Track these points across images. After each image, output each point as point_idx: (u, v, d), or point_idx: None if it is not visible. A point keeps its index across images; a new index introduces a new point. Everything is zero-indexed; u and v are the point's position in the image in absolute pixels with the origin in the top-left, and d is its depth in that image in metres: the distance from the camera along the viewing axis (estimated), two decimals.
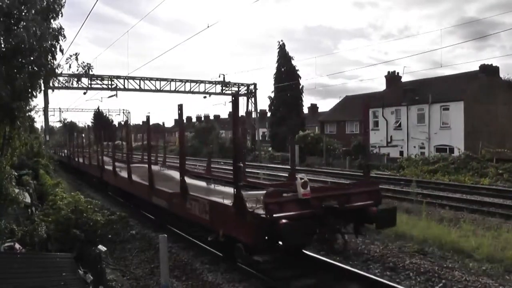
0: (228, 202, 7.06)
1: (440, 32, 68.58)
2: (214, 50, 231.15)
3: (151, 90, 39.37)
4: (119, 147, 26.36)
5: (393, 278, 7.33)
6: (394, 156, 35.15)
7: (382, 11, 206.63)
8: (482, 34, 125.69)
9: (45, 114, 35.87)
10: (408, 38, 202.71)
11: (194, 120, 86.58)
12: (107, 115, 70.08)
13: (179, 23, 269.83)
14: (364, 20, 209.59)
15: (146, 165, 11.38)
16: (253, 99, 45.27)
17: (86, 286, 5.75)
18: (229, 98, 38.10)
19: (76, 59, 7.60)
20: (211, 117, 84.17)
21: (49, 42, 6.98)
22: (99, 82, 36.81)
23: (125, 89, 38.16)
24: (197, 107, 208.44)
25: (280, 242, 6.56)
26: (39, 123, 47.21)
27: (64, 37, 7.26)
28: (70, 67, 7.57)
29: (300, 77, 50.18)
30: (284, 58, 49.96)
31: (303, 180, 6.70)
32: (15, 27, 6.70)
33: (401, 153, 38.06)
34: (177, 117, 10.09)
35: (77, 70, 7.78)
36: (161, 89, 39.45)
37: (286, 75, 48.83)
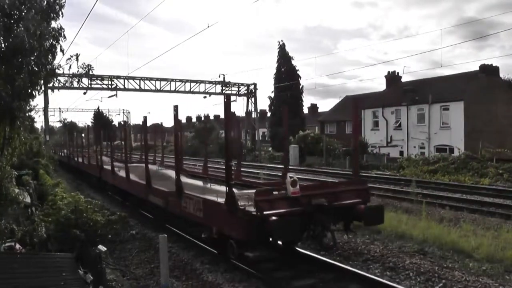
0: (221, 200, 7.22)
1: (439, 32, 68.90)
2: (214, 50, 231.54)
3: (151, 90, 39.37)
4: (119, 147, 26.40)
5: (393, 278, 7.34)
6: (394, 156, 35.15)
7: (381, 11, 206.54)
8: (481, 34, 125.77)
9: (45, 114, 35.91)
10: (407, 38, 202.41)
11: (194, 120, 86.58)
12: (107, 115, 70.19)
13: (179, 23, 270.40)
14: (363, 20, 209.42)
15: (144, 165, 11.47)
16: (253, 99, 45.27)
17: (86, 286, 5.73)
18: None
19: (77, 59, 7.59)
20: (211, 117, 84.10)
21: (49, 42, 6.98)
22: (99, 82, 36.83)
23: (125, 89, 38.18)
24: (197, 107, 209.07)
25: (270, 239, 6.80)
26: (39, 123, 47.40)
27: (64, 37, 7.25)
28: (70, 67, 7.57)
29: (300, 77, 50.33)
30: (284, 58, 49.99)
31: (292, 179, 6.88)
32: (15, 27, 6.70)
33: (401, 153, 38.11)
34: None
35: (78, 71, 7.79)
36: (161, 89, 39.46)
37: (286, 75, 48.85)
